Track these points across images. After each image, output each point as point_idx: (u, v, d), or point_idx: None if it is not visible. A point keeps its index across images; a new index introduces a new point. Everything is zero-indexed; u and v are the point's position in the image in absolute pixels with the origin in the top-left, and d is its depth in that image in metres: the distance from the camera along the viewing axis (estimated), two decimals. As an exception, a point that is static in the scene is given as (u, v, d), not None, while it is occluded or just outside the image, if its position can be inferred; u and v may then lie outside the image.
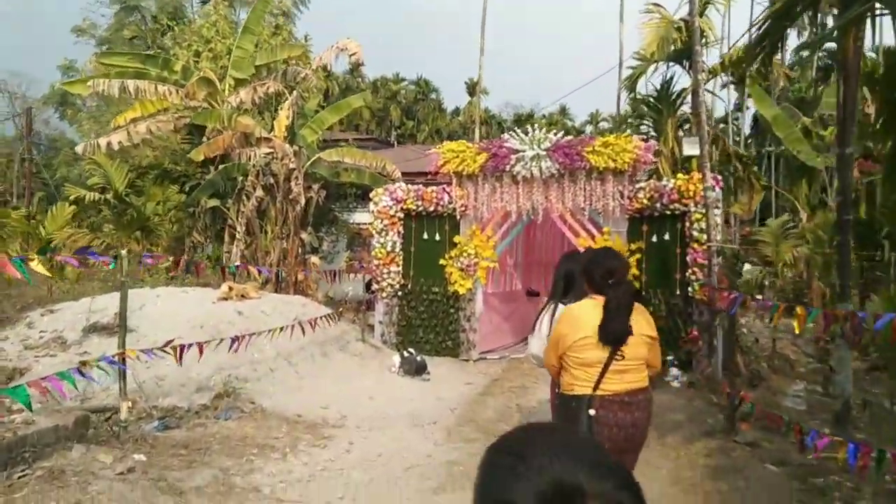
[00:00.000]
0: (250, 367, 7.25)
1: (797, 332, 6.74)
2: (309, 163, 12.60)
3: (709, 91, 11.68)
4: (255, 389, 6.91)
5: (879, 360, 10.57)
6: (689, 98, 11.26)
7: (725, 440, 5.63)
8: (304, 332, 7.59)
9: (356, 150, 13.24)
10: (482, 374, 9.38)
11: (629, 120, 13.32)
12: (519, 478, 0.73)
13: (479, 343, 10.55)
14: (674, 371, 8.58)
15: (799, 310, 5.12)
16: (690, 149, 9.86)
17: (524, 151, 9.94)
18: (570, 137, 9.88)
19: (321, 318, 7.91)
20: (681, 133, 10.86)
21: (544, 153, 9.85)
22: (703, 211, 8.97)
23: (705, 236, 8.93)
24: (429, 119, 55.57)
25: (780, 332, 11.58)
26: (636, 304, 3.35)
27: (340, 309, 10.59)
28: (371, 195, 10.47)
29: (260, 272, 11.09)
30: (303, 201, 12.32)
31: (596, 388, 3.24)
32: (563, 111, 54.13)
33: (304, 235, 13.44)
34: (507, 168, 10.02)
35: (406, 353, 9.07)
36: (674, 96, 11.37)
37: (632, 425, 3.28)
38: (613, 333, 3.19)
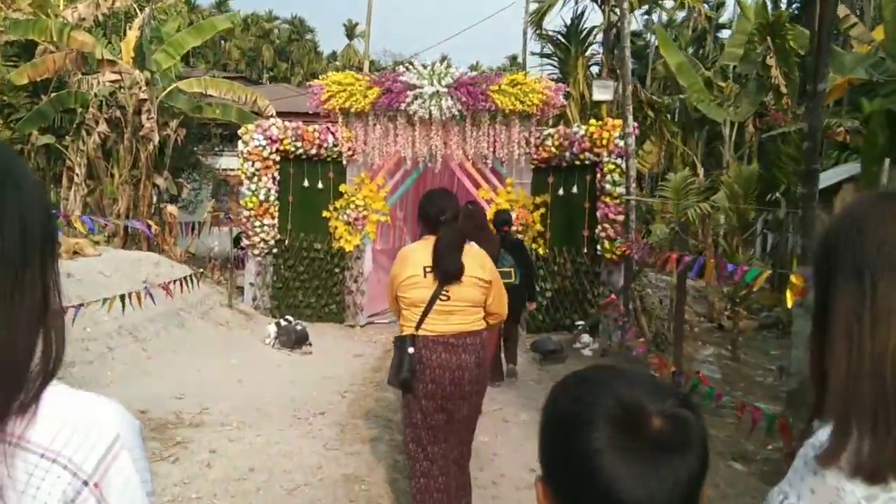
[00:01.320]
0: (80, 347, 5.65)
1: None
2: (164, 94, 10.61)
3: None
4: (86, 376, 5.35)
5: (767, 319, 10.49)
6: (600, 37, 10.41)
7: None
8: (154, 300, 6.05)
9: (221, 81, 11.36)
10: (372, 343, 8.22)
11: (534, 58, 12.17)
12: (583, 402, 0.77)
13: (366, 306, 9.35)
14: (585, 338, 7.83)
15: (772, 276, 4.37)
16: (601, 93, 9.02)
17: (422, 87, 8.67)
18: (473, 73, 8.71)
19: (178, 280, 6.38)
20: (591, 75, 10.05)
21: (445, 90, 8.64)
22: (617, 161, 8.19)
23: (618, 189, 8.17)
24: (304, 61, 52.37)
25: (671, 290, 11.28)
26: (473, 247, 3.35)
27: (202, 269, 8.99)
28: (240, 133, 8.83)
29: (98, 226, 9.19)
30: (156, 139, 10.39)
31: (418, 327, 3.22)
32: (444, 61, 52.71)
33: (159, 181, 11.50)
34: (403, 106, 8.73)
35: (283, 322, 7.72)
36: (584, 34, 10.46)
37: (457, 367, 3.20)
38: (445, 271, 3.17)
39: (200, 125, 13.98)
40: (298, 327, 7.63)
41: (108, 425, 0.73)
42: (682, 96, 11.15)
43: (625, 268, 7.40)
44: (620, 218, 8.19)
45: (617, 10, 9.75)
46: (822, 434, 0.93)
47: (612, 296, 7.06)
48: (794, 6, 12.01)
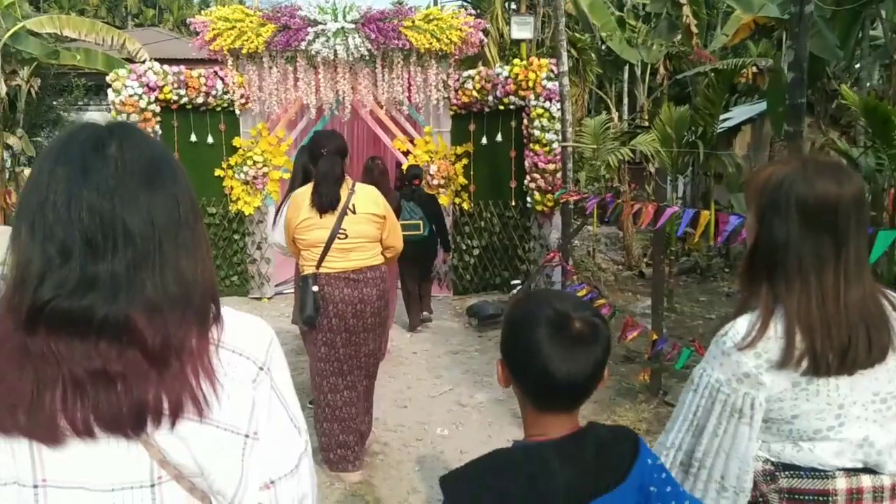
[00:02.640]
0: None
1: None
2: (8, 35, 8.84)
3: None
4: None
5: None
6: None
7: (656, 403, 4.34)
8: None
9: (81, 20, 9.63)
10: (285, 318, 7.25)
11: None
12: (530, 311, 1.21)
13: (273, 275, 8.33)
14: (524, 298, 7.23)
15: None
16: (521, 30, 8.26)
17: (325, 24, 7.58)
18: (383, 8, 7.71)
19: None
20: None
21: (352, 27, 7.59)
22: (546, 105, 7.53)
23: (548, 136, 7.53)
24: (173, 7, 48.09)
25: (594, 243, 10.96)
26: (365, 186, 3.54)
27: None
28: (109, 79, 7.41)
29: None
30: (2, 91, 8.69)
31: (319, 265, 3.39)
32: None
33: (11, 140, 9.77)
34: (303, 45, 7.61)
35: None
36: (500, -35, 9.61)
37: (359, 301, 3.40)
38: (320, 199, 3.32)
39: (59, 75, 12.13)
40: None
41: (264, 330, 1.08)
42: (592, 36, 10.59)
43: (562, 221, 6.81)
44: (551, 167, 7.57)
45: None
46: (736, 329, 1.40)
47: (553, 252, 6.45)
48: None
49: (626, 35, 11.21)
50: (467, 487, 1.16)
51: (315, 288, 3.36)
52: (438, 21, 7.68)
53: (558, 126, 7.56)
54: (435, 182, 8.08)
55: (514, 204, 8.07)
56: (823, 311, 1.33)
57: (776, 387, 1.34)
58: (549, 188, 7.62)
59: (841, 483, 1.36)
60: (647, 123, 11.54)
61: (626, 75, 12.74)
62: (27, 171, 9.46)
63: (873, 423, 1.37)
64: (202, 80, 7.69)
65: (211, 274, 1.01)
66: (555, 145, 7.56)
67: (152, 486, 0.93)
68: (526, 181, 7.82)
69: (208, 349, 0.96)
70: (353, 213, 3.40)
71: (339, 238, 3.36)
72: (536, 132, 7.57)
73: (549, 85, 7.47)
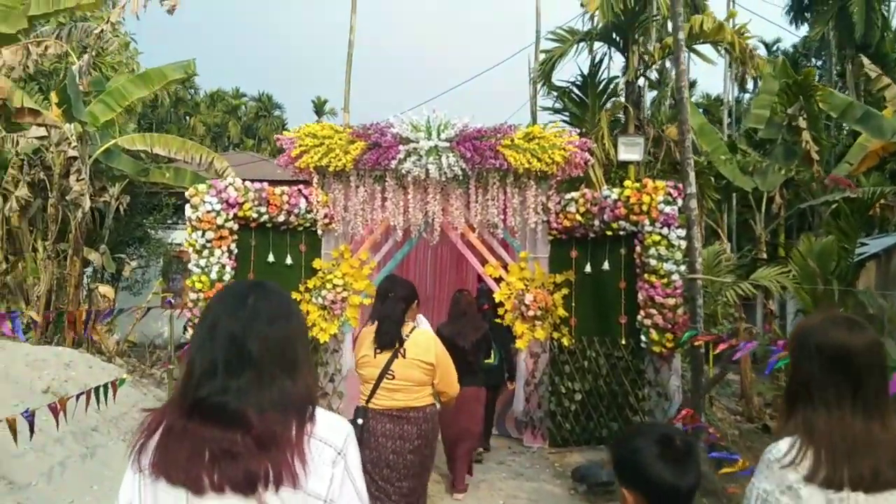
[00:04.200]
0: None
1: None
2: (100, 151, 8.80)
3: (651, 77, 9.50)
4: None
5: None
6: (620, 88, 9.02)
7: None
8: (59, 419, 4.08)
9: (172, 138, 9.61)
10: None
11: (544, 116, 10.64)
12: (641, 441, 1.57)
13: (344, 412, 7.36)
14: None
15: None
16: (629, 152, 7.54)
17: (417, 142, 7.05)
18: (479, 125, 7.14)
19: (79, 395, 4.40)
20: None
21: (446, 145, 7.02)
22: (663, 232, 6.58)
23: (666, 265, 6.53)
24: (271, 138, 51.19)
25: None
26: (423, 332, 3.80)
27: (134, 367, 6.98)
28: (188, 194, 7.02)
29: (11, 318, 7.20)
30: (87, 205, 8.52)
31: (368, 401, 3.68)
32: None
33: (92, 256, 9.55)
34: (393, 164, 7.07)
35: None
36: (602, 84, 9.05)
37: (399, 437, 3.65)
38: (381, 337, 3.67)
39: (150, 194, 12.18)
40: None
41: (343, 426, 1.49)
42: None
43: (693, 367, 5.65)
44: (671, 301, 6.51)
45: (643, 54, 8.46)
46: (779, 448, 1.69)
47: (686, 409, 5.25)
48: (818, 64, 10.91)
49: (738, 161, 10.32)
50: None
51: (360, 421, 3.62)
52: (540, 140, 7.02)
53: (678, 255, 6.57)
54: (531, 313, 7.12)
55: (623, 342, 6.97)
56: (848, 439, 1.62)
57: (812, 499, 1.61)
58: (669, 326, 6.52)
59: None
60: (764, 255, 10.38)
61: (733, 203, 11.75)
62: (103, 288, 9.13)
63: None
64: (285, 197, 7.20)
65: (308, 387, 1.47)
66: (675, 277, 6.54)
67: None
68: (639, 317, 6.76)
69: (303, 438, 1.40)
70: (403, 357, 3.66)
71: (387, 378, 3.64)
72: (652, 261, 6.59)
73: (668, 209, 6.58)
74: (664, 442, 1.54)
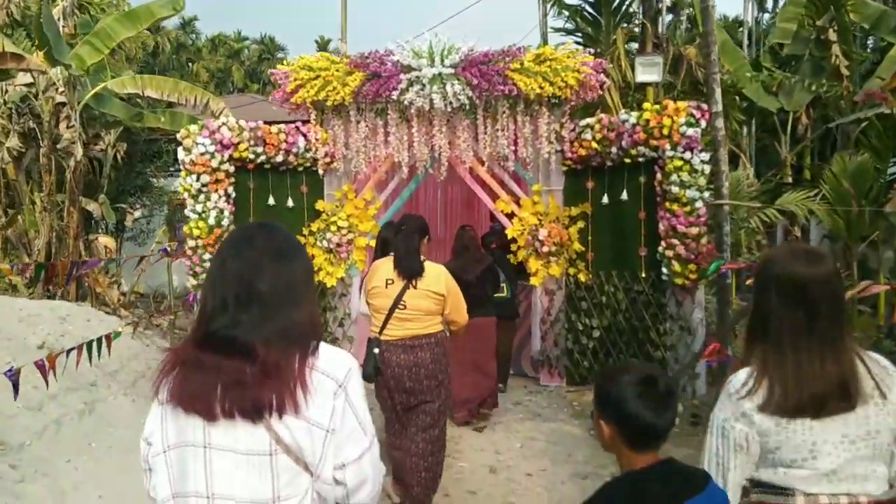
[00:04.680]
0: None
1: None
2: (88, 95, 8.38)
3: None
4: None
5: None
6: (634, 6, 8.39)
7: None
8: (56, 374, 3.84)
9: (164, 79, 9.12)
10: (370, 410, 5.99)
11: (555, 38, 9.92)
12: (621, 380, 1.65)
13: (356, 356, 7.13)
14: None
15: None
16: (647, 73, 7.03)
17: (420, 70, 6.57)
18: (486, 49, 6.63)
19: (69, 350, 4.15)
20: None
21: (451, 72, 6.54)
22: (686, 156, 6.15)
23: (689, 192, 6.12)
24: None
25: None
26: (432, 265, 3.93)
27: (139, 317, 6.76)
28: (179, 136, 6.64)
29: (12, 267, 6.95)
30: (78, 153, 8.17)
31: (381, 332, 3.86)
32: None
33: (91, 206, 9.26)
34: (395, 95, 6.62)
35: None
36: (618, 0, 8.39)
37: (413, 365, 3.82)
38: (404, 269, 3.82)
39: (149, 141, 11.79)
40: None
41: (346, 360, 1.54)
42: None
43: (719, 299, 5.31)
44: (694, 230, 6.12)
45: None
46: (738, 378, 1.80)
47: (713, 342, 4.93)
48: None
49: (762, 80, 9.71)
50: None
51: (376, 350, 3.80)
52: (552, 62, 6.52)
53: (702, 181, 6.14)
54: (545, 249, 6.77)
55: (644, 276, 6.62)
56: (799, 370, 1.72)
57: (763, 424, 1.74)
58: (692, 256, 6.15)
59: (800, 500, 1.75)
60: (789, 179, 9.89)
61: (753, 127, 11.14)
62: (103, 239, 8.87)
63: (841, 459, 1.72)
64: (282, 136, 6.81)
65: (312, 321, 1.56)
66: (698, 204, 6.13)
67: (270, 454, 1.44)
68: (660, 248, 6.38)
69: (304, 370, 1.46)
70: (414, 287, 3.81)
71: (399, 308, 3.79)
72: (674, 188, 6.17)
73: (690, 132, 6.11)
74: (647, 382, 1.62)
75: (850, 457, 1.72)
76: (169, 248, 6.41)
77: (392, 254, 3.95)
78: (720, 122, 5.24)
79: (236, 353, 1.43)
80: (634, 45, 8.57)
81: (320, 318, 1.97)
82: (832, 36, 9.17)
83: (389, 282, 3.82)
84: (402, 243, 3.89)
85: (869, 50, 11.81)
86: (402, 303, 3.78)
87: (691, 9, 10.04)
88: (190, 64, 45.84)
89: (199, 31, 47.38)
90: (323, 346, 1.52)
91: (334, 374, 1.48)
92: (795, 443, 1.72)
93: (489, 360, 5.87)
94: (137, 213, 12.02)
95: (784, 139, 9.69)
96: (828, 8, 9.18)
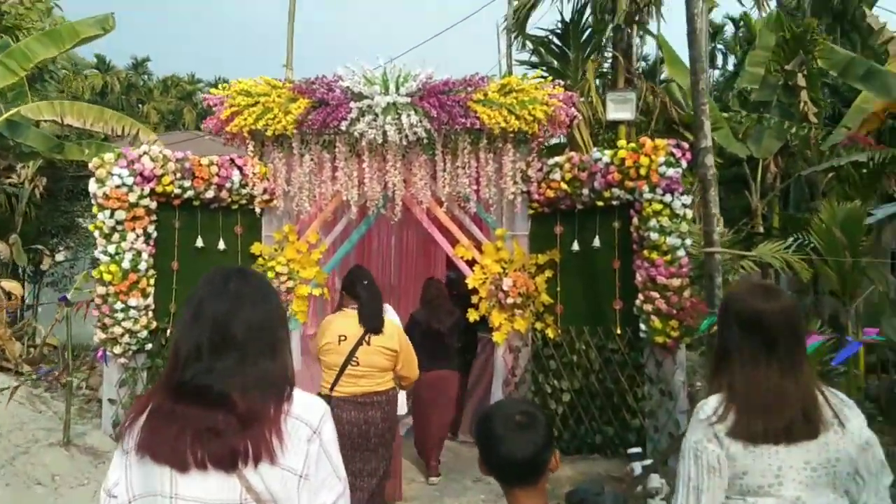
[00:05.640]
0: None
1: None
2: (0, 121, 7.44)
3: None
4: None
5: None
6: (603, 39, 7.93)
7: None
8: None
9: (88, 107, 8.21)
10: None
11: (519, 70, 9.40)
12: (489, 413, 1.75)
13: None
14: (654, 480, 4.92)
15: None
16: (619, 110, 6.52)
17: (372, 98, 5.89)
18: (446, 77, 5.99)
19: None
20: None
21: (406, 101, 5.87)
22: (665, 199, 5.56)
23: (669, 239, 5.51)
24: (230, 124, 49.22)
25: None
26: (386, 318, 3.98)
27: (50, 373, 5.75)
28: (92, 165, 5.76)
29: None
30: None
31: (332, 388, 3.82)
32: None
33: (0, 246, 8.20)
34: (344, 126, 5.91)
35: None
36: (587, 32, 7.89)
37: (364, 422, 3.79)
38: (369, 321, 3.85)
39: (77, 178, 10.79)
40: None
41: (319, 405, 1.56)
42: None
43: (710, 361, 4.64)
44: (676, 282, 5.49)
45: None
46: (708, 404, 1.90)
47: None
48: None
49: (732, 125, 9.36)
50: None
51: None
52: (518, 93, 5.92)
53: (684, 227, 5.55)
54: (510, 301, 6.05)
55: (619, 332, 5.94)
56: (762, 396, 1.81)
57: (732, 448, 1.82)
58: (674, 311, 5.50)
59: None
60: (761, 229, 9.48)
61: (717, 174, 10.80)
62: (7, 283, 7.80)
63: (805, 487, 1.79)
64: (214, 168, 5.99)
65: (286, 368, 1.54)
66: (680, 253, 5.51)
67: (240, 503, 1.41)
68: (637, 301, 5.73)
69: (280, 417, 1.45)
70: (368, 344, 3.78)
71: (351, 365, 3.76)
72: (653, 235, 5.55)
73: (670, 172, 5.53)
74: (504, 413, 1.70)
75: (812, 483, 1.79)
76: (69, 297, 5.49)
77: (345, 307, 3.97)
78: (710, 159, 4.66)
79: (211, 403, 1.42)
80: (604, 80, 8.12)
81: (292, 364, 1.69)
82: (801, 81, 8.87)
83: (342, 338, 3.81)
84: (372, 299, 3.92)
85: (828, 101, 11.66)
86: (354, 359, 3.77)
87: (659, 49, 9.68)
88: (140, 105, 44.75)
89: (151, 71, 46.47)
90: (296, 391, 1.54)
91: (308, 419, 1.51)
92: (761, 467, 1.80)
93: (452, 414, 6.06)
94: (60, 256, 10.93)
95: (754, 187, 9.29)
96: (796, 52, 8.92)
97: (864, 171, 7.75)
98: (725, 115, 8.77)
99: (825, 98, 9.91)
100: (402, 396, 4.49)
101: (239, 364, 1.45)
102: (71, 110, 7.81)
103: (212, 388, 1.42)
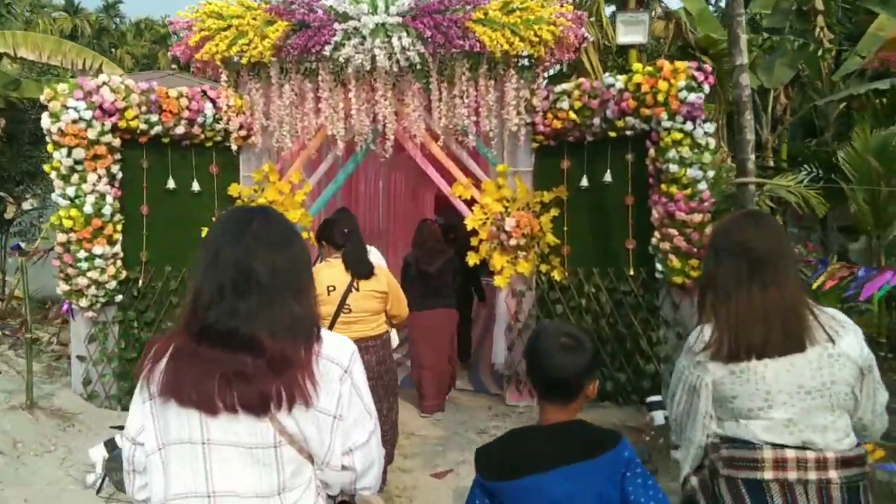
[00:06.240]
0: None
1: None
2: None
3: None
4: None
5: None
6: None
7: None
8: None
9: (44, 37, 7.44)
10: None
11: None
12: (540, 331, 1.88)
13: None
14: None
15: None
16: (630, 32, 5.93)
17: (359, 18, 5.25)
18: (441, -6, 5.34)
19: None
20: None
21: (397, 21, 5.24)
22: (685, 127, 5.04)
23: (689, 171, 5.03)
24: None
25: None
26: (373, 260, 3.98)
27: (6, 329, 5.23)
28: (44, 98, 5.13)
29: None
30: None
31: None
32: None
33: (-45, 194, 7.54)
34: (327, 51, 5.28)
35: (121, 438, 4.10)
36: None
37: None
38: (357, 268, 3.80)
39: (39, 120, 10.03)
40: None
41: (348, 345, 1.54)
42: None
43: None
44: (697, 218, 5.02)
45: None
46: (696, 333, 1.96)
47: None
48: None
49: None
50: (487, 450, 1.79)
51: None
52: (523, 12, 5.29)
53: (706, 157, 5.05)
54: (512, 242, 5.58)
55: (632, 273, 5.49)
56: (739, 316, 1.83)
57: (717, 373, 1.87)
58: (694, 249, 5.05)
59: (768, 453, 1.81)
60: (770, 162, 9.00)
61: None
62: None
63: (798, 410, 1.80)
64: (183, 101, 5.36)
65: (312, 310, 1.51)
66: (701, 186, 5.03)
67: (275, 446, 1.40)
68: (653, 240, 5.27)
69: (311, 359, 1.43)
70: (357, 290, 3.78)
71: (343, 313, 3.75)
72: (672, 167, 5.03)
73: (692, 97, 4.99)
74: (553, 333, 1.79)
75: (805, 406, 1.80)
76: (23, 246, 4.92)
77: (327, 258, 3.90)
78: (745, 78, 4.11)
79: (238, 346, 1.38)
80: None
81: (318, 304, 1.55)
82: (819, 4, 8.26)
83: (331, 288, 3.74)
84: (354, 245, 3.86)
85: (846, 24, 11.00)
86: (346, 306, 3.75)
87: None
88: (113, 49, 43.05)
89: (124, 14, 44.64)
90: (324, 331, 1.52)
91: (339, 359, 1.50)
92: (749, 391, 1.83)
93: (451, 350, 6.01)
94: (27, 205, 10.27)
95: (765, 119, 8.76)
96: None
97: (885, 98, 7.23)
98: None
99: (843, 23, 9.30)
100: (393, 333, 4.37)
101: (264, 306, 1.41)
102: (25, 41, 7.05)
103: (238, 331, 1.38)
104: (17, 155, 9.79)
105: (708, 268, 1.98)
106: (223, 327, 1.38)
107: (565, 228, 5.74)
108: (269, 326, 1.39)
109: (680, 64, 5.12)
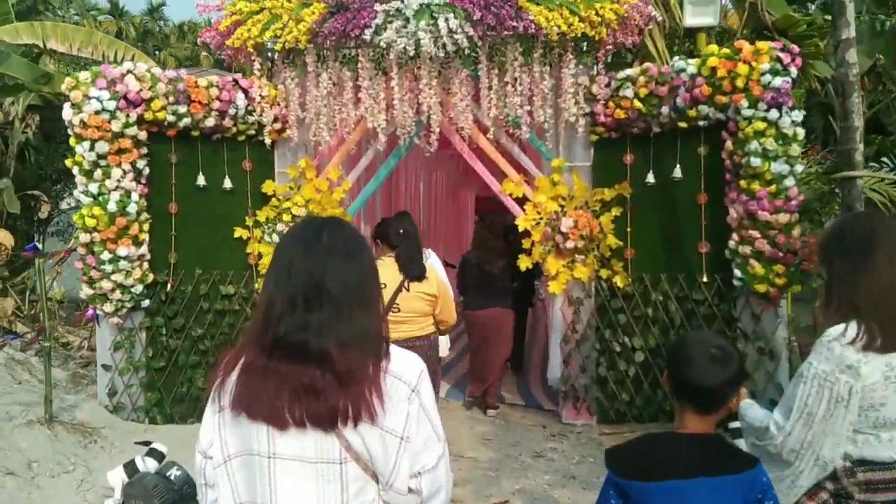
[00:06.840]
0: None
1: None
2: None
3: None
4: None
5: None
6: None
7: None
8: None
9: (75, 28, 7.17)
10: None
11: None
12: (687, 342, 1.84)
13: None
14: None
15: None
16: (699, 15, 5.34)
17: (401, 2, 4.79)
18: (493, -28, 4.84)
19: None
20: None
21: (443, 2, 4.76)
22: (771, 116, 4.45)
23: (774, 166, 4.44)
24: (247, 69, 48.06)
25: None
26: (427, 264, 3.97)
27: (16, 338, 4.92)
28: (65, 87, 4.79)
29: None
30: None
31: None
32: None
33: (-14, 193, 7.33)
34: (368, 34, 4.83)
35: (142, 461, 3.68)
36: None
37: None
38: (410, 270, 3.80)
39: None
40: (177, 472, 3.59)
41: (417, 363, 1.48)
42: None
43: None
44: (783, 218, 4.43)
45: None
46: (836, 328, 1.83)
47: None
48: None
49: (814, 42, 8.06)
50: (622, 450, 1.76)
51: None
52: (581, -11, 4.77)
53: (795, 149, 4.46)
54: (569, 244, 5.05)
55: (705, 280, 4.91)
56: (883, 296, 1.79)
57: (870, 377, 1.75)
58: (780, 254, 4.46)
59: None
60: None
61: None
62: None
63: None
64: (214, 91, 4.97)
65: (380, 324, 1.46)
66: (788, 182, 4.43)
67: (340, 463, 1.38)
68: (731, 243, 4.69)
69: (379, 375, 1.39)
70: (407, 290, 3.76)
71: (392, 312, 3.71)
72: (754, 160, 4.45)
73: (777, 82, 4.40)
74: (704, 345, 1.75)
75: None
76: (39, 247, 4.59)
77: (381, 258, 3.83)
78: (852, 55, 3.53)
79: (308, 359, 1.37)
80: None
81: (387, 319, 1.63)
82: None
83: (382, 286, 3.13)
84: (410, 246, 3.85)
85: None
86: (395, 305, 3.74)
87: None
88: (157, 52, 43.69)
89: (167, 17, 45.30)
90: (393, 347, 1.48)
91: (407, 377, 1.46)
92: None
93: (503, 352, 5.91)
94: (64, 204, 10.09)
95: (839, 112, 8.04)
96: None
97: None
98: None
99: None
100: (444, 340, 4.37)
101: (335, 319, 1.39)
102: (54, 32, 6.78)
103: (308, 344, 1.37)
104: (54, 153, 9.62)
105: (840, 264, 1.91)
106: (294, 340, 1.38)
107: (629, 229, 5.19)
108: (339, 340, 1.38)
109: (762, 44, 4.53)
